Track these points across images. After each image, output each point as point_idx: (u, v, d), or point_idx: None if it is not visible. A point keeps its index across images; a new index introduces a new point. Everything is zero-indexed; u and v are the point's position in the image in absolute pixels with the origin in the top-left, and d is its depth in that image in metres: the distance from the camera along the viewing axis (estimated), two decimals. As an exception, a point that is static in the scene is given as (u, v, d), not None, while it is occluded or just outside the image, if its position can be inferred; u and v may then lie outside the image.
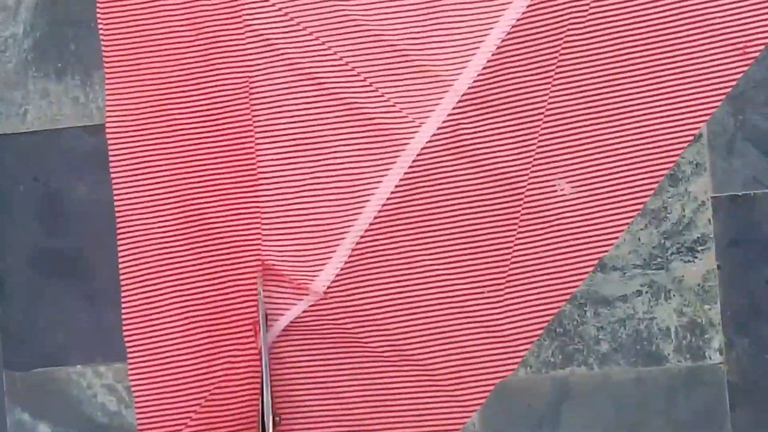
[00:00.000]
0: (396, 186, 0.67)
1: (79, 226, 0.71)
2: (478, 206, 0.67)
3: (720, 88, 0.66)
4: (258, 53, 0.68)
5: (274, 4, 0.69)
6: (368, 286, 0.67)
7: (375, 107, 0.68)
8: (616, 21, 0.67)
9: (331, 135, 0.68)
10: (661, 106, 0.66)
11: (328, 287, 0.67)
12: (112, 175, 0.68)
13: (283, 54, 0.68)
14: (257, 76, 0.68)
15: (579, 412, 0.68)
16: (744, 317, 0.67)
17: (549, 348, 0.68)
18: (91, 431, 0.71)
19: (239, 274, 0.67)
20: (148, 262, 0.68)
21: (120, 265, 0.68)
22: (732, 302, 0.67)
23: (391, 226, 0.67)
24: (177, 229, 0.68)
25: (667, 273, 0.68)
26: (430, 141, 0.67)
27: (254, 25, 0.68)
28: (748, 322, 0.67)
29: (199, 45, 0.68)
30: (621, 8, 0.67)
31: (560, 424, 0.68)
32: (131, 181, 0.68)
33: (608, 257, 0.68)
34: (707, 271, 0.67)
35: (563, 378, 0.68)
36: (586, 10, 0.67)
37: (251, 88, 0.68)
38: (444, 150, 0.67)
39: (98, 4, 0.69)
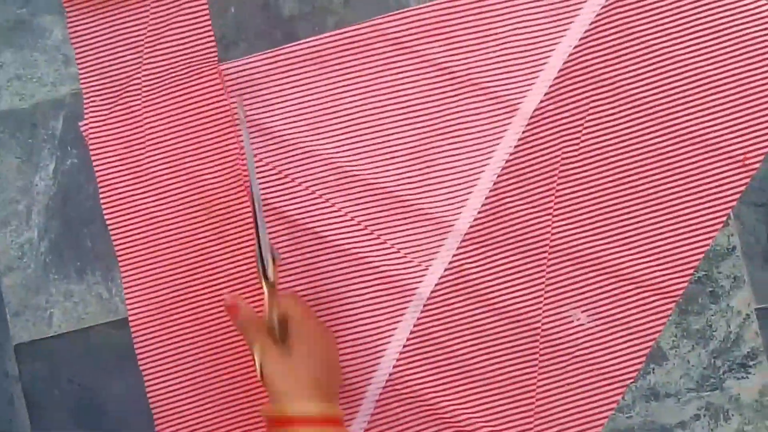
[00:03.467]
0: (410, 334, 0.67)
1: (118, 423, 0.70)
2: (495, 346, 0.66)
3: (725, 202, 0.66)
4: (275, 226, 0.68)
5: (267, 163, 0.69)
6: None
7: (379, 256, 0.67)
8: (608, 145, 0.67)
9: (339, 289, 0.67)
10: (664, 226, 0.66)
11: None
12: (141, 367, 0.68)
13: (281, 213, 0.68)
14: (279, 243, 0.68)
15: None
16: (808, 428, 0.65)
17: (614, 486, 0.66)
18: None
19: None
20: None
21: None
22: (794, 415, 0.66)
23: (411, 374, 0.67)
24: (215, 412, 0.68)
25: (722, 393, 0.66)
26: (438, 284, 0.67)
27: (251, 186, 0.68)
28: (813, 432, 0.65)
29: (209, 223, 0.68)
30: (612, 132, 0.67)
31: None
32: (161, 371, 0.68)
33: (660, 384, 0.66)
34: (763, 385, 0.66)
35: None
36: (579, 137, 0.67)
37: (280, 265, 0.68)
38: (453, 292, 0.67)
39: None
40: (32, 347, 0.71)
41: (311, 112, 0.69)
